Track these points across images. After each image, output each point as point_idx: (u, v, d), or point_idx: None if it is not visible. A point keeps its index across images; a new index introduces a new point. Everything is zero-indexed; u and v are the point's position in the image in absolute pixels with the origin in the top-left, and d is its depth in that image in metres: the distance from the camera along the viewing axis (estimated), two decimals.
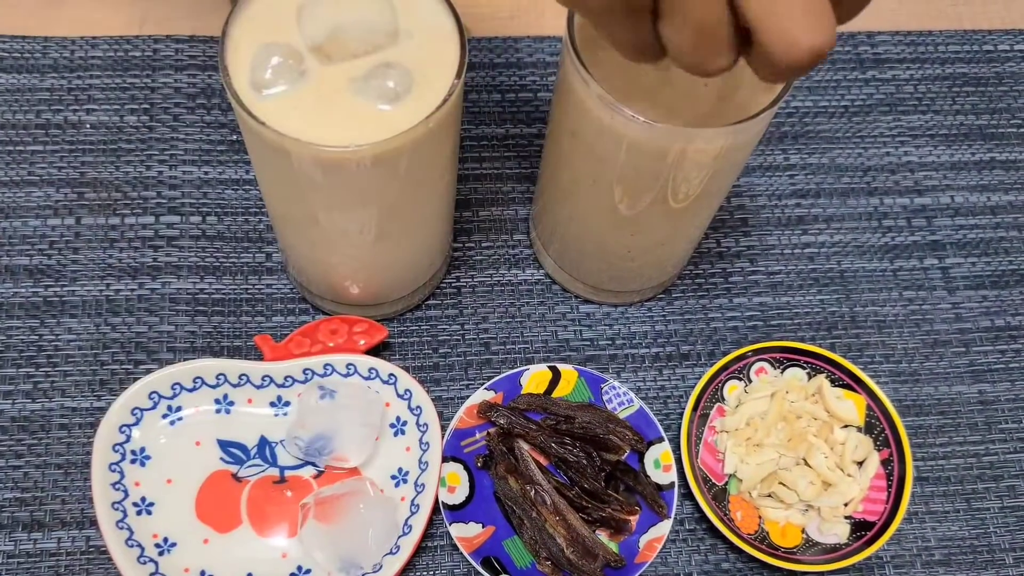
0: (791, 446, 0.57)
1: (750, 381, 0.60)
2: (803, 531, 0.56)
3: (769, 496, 0.57)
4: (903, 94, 0.72)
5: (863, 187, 0.69)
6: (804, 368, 0.60)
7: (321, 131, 0.44)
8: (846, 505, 0.56)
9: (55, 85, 0.66)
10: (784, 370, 0.60)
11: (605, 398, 0.58)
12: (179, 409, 0.55)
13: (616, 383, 0.59)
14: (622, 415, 0.58)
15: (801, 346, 0.60)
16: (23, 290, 0.60)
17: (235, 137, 0.66)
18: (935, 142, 0.71)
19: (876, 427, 0.58)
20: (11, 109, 0.65)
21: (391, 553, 0.52)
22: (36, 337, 0.59)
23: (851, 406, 0.59)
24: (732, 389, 0.59)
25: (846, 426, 0.58)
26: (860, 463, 0.58)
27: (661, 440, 0.57)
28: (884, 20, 0.75)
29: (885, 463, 0.58)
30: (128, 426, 0.54)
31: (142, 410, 0.55)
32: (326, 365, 0.56)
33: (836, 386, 0.59)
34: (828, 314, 0.64)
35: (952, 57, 0.74)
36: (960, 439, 0.61)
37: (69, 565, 0.53)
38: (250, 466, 0.55)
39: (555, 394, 0.58)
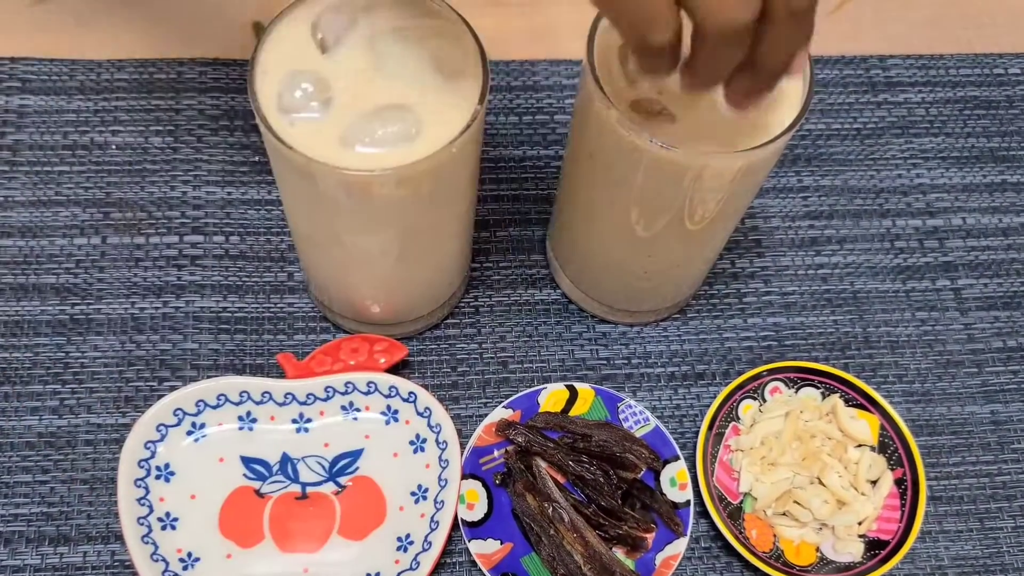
0: (805, 465, 0.58)
1: (765, 400, 0.60)
2: (818, 549, 0.57)
3: (784, 514, 0.57)
4: (915, 117, 0.73)
5: (875, 209, 0.69)
6: (818, 388, 0.61)
7: (346, 155, 0.45)
8: (860, 524, 0.57)
9: (82, 107, 0.68)
10: (798, 390, 0.61)
11: (621, 417, 0.59)
12: (203, 426, 0.56)
13: (632, 402, 0.59)
14: (638, 434, 0.58)
15: (815, 366, 0.61)
16: (50, 308, 0.61)
17: (258, 158, 0.67)
18: (947, 164, 0.72)
19: (890, 446, 0.59)
20: (39, 130, 0.66)
21: (411, 569, 0.53)
22: (63, 354, 0.60)
23: (865, 426, 0.59)
24: (747, 408, 0.60)
25: (860, 445, 0.59)
26: (874, 482, 0.58)
27: (677, 459, 0.58)
28: (896, 44, 0.76)
29: (899, 482, 0.58)
30: (153, 442, 0.55)
31: (167, 426, 0.56)
32: (347, 383, 0.57)
33: (850, 406, 0.60)
34: (841, 334, 0.65)
35: (963, 80, 0.75)
36: (973, 459, 0.61)
37: None
38: (272, 482, 0.56)
39: (572, 412, 0.59)
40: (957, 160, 0.72)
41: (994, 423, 0.63)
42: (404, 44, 0.47)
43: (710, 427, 0.59)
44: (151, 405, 0.55)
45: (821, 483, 0.58)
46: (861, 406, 0.60)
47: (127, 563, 0.54)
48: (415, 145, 0.45)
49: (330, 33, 0.46)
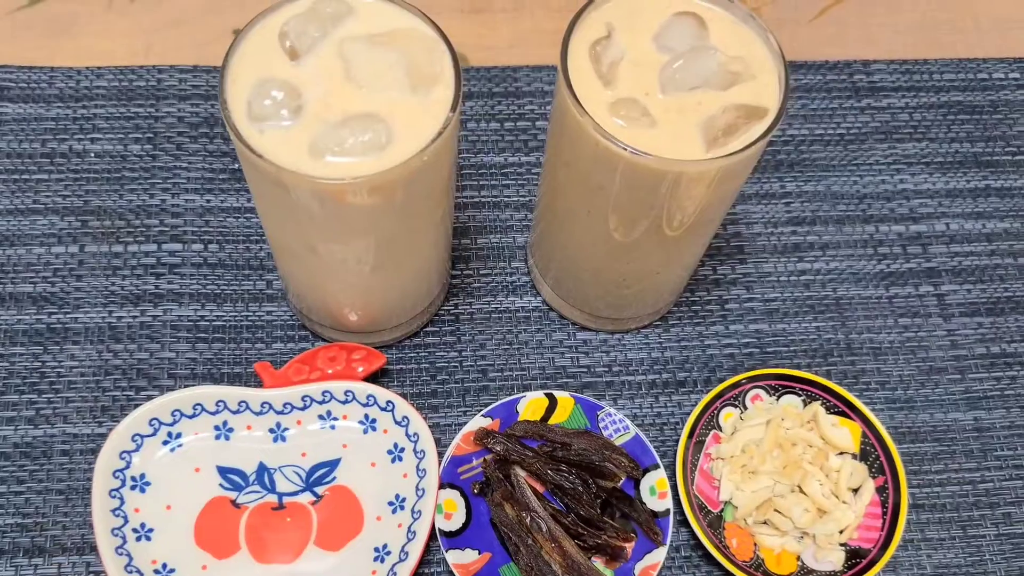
0: (786, 473, 0.57)
1: (746, 408, 0.60)
2: (798, 558, 0.56)
3: (764, 523, 0.57)
4: (898, 122, 0.73)
5: (859, 214, 0.69)
6: (799, 395, 0.60)
7: (317, 164, 0.45)
8: (841, 532, 0.57)
9: (60, 114, 0.67)
10: (779, 397, 0.60)
11: (601, 425, 0.59)
12: (179, 435, 0.56)
13: (612, 410, 0.59)
14: (618, 442, 0.58)
15: (796, 373, 0.60)
16: (27, 317, 0.61)
17: (237, 166, 0.67)
18: (930, 170, 0.71)
19: (871, 454, 0.59)
20: (17, 138, 0.66)
21: None
22: (39, 364, 0.59)
23: (846, 433, 0.59)
24: (728, 416, 0.60)
25: (841, 453, 0.59)
26: (855, 490, 0.58)
27: (657, 467, 0.57)
28: (880, 49, 0.76)
29: (880, 490, 0.58)
30: (128, 452, 0.55)
31: (142, 436, 0.55)
32: (324, 392, 0.57)
33: (831, 413, 0.60)
34: (824, 341, 0.64)
35: (947, 85, 0.75)
36: (956, 466, 0.61)
37: None
38: (249, 492, 0.56)
39: (551, 421, 0.59)
40: (941, 165, 0.72)
41: (977, 430, 0.62)
42: (375, 51, 0.47)
43: (690, 435, 0.58)
44: (127, 415, 0.55)
45: (802, 491, 0.57)
46: (843, 413, 0.60)
47: (102, 574, 0.54)
48: (386, 153, 0.45)
49: (299, 41, 0.46)
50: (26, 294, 0.61)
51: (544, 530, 0.54)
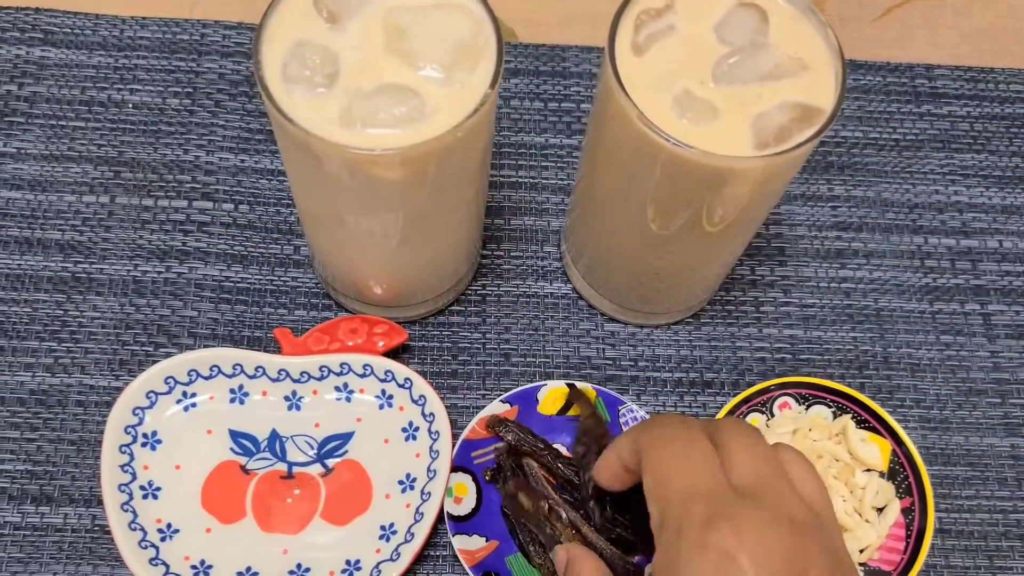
0: None
1: (772, 415, 0.58)
2: None
3: None
4: (958, 131, 0.70)
5: (908, 224, 0.66)
6: (830, 407, 0.58)
7: (348, 132, 0.43)
8: (861, 552, 0.55)
9: (102, 63, 0.67)
10: (809, 407, 0.59)
11: (622, 421, 0.57)
12: (194, 395, 0.55)
13: (634, 406, 0.57)
14: None
15: (828, 383, 0.58)
16: (53, 264, 0.60)
17: None
18: (987, 183, 0.68)
19: (900, 474, 0.56)
20: (57, 84, 0.66)
21: (391, 560, 0.52)
22: (61, 312, 0.59)
23: (875, 450, 0.57)
24: (754, 422, 0.58)
25: (868, 470, 0.57)
26: (880, 510, 0.56)
27: None
28: (945, 54, 0.73)
29: (906, 512, 0.56)
30: (142, 409, 0.54)
31: (157, 394, 0.55)
32: (343, 364, 0.56)
33: (861, 428, 0.58)
34: (860, 352, 0.62)
35: (1013, 96, 0.72)
36: (988, 493, 0.59)
37: (73, 542, 0.53)
38: (259, 459, 0.55)
39: (570, 412, 0.57)
40: (999, 180, 0.69)
41: (1013, 457, 0.60)
42: (418, 22, 0.45)
43: None
44: (144, 370, 0.55)
45: None
46: (873, 429, 0.57)
47: (107, 528, 0.53)
48: (420, 127, 0.43)
49: (338, 5, 0.45)
50: (54, 241, 0.61)
51: (564, 518, 0.52)
